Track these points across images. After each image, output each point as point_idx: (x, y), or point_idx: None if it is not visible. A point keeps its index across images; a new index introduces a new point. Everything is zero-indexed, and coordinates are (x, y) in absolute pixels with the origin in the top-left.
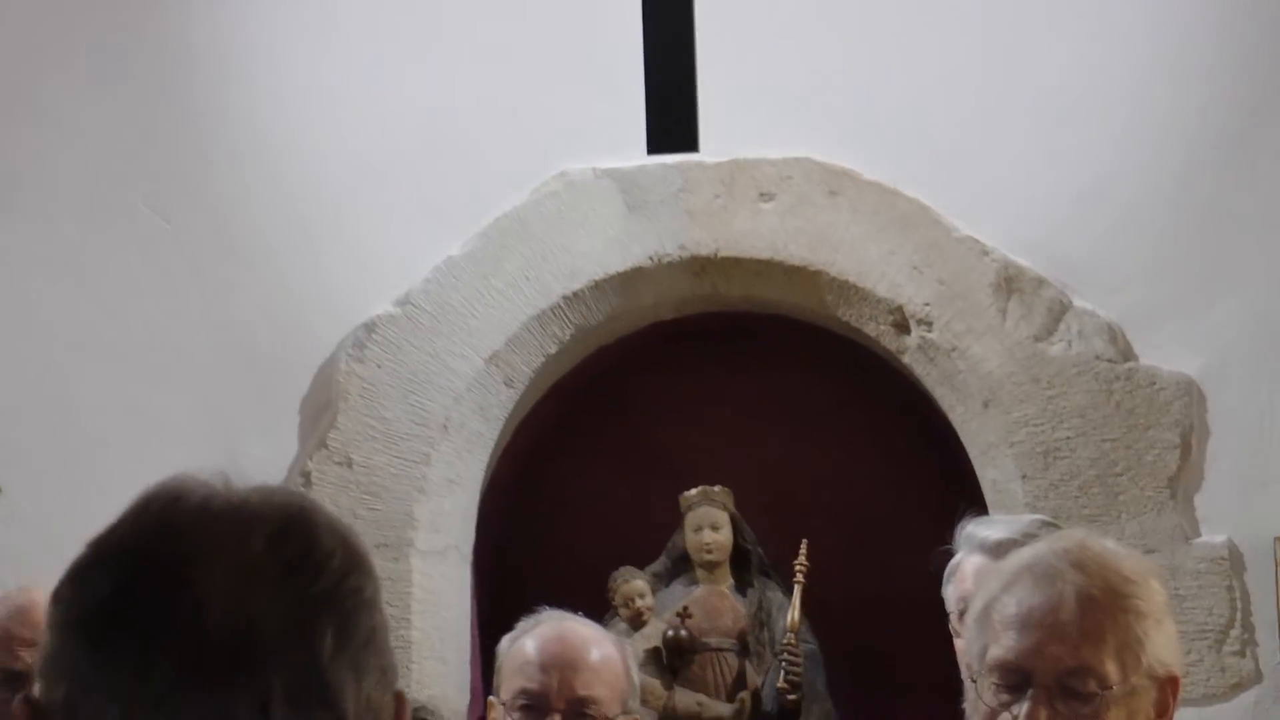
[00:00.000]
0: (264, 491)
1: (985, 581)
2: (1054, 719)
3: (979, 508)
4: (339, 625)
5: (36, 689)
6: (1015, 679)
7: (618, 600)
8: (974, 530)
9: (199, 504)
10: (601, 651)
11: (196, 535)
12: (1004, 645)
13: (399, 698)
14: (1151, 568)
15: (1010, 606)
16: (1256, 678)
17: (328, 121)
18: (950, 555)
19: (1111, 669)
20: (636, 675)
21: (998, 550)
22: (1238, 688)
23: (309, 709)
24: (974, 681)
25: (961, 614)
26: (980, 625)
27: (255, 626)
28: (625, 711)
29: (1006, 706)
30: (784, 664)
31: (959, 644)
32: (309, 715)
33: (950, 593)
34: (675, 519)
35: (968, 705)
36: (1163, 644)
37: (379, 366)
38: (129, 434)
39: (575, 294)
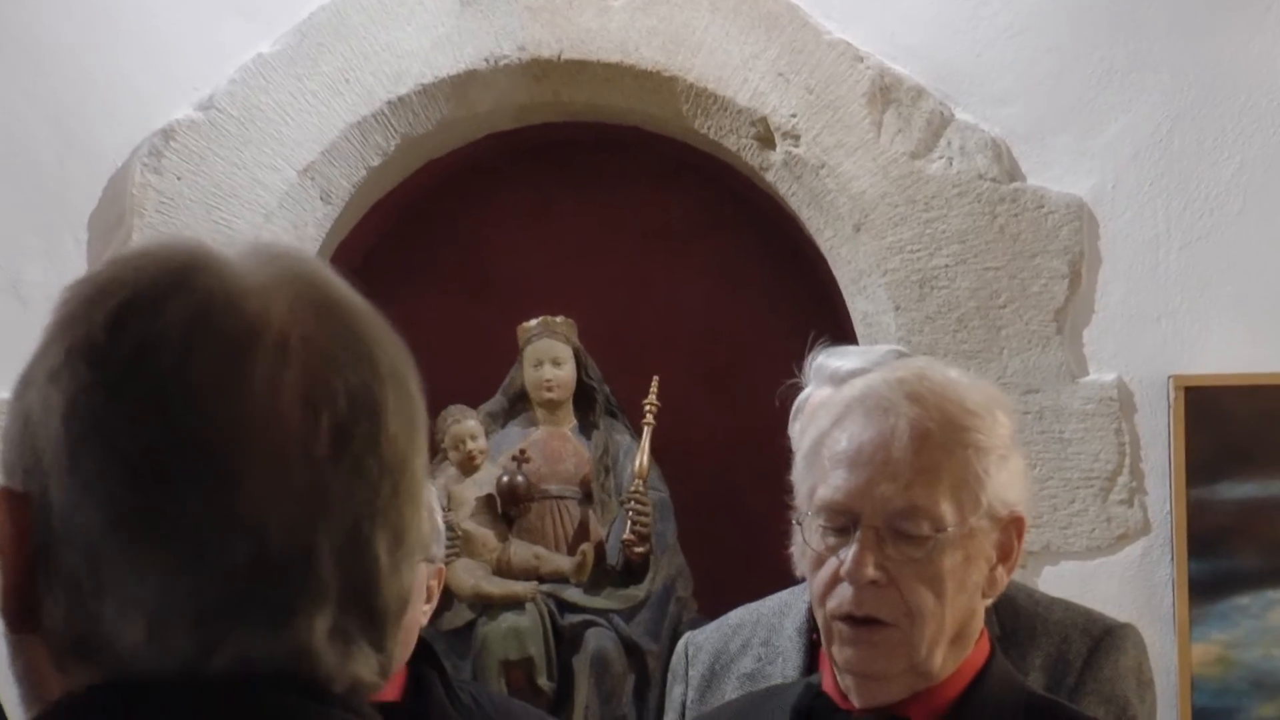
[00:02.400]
0: (324, 325)
1: (816, 416)
2: (883, 563)
3: (848, 341)
4: (394, 536)
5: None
6: (843, 521)
7: (447, 442)
8: (825, 361)
9: (270, 369)
10: None
11: (259, 424)
12: (832, 484)
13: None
14: (998, 398)
15: (840, 442)
16: (1144, 528)
17: None
18: (799, 390)
19: (947, 510)
20: (440, 520)
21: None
22: (1124, 539)
23: (353, 634)
24: (799, 524)
25: None
26: (809, 463)
27: (312, 555)
28: (428, 558)
29: (834, 550)
30: (631, 513)
31: None
32: (351, 639)
33: (798, 430)
34: (512, 352)
35: (794, 550)
36: (1006, 482)
37: (178, 178)
38: None
39: (401, 99)
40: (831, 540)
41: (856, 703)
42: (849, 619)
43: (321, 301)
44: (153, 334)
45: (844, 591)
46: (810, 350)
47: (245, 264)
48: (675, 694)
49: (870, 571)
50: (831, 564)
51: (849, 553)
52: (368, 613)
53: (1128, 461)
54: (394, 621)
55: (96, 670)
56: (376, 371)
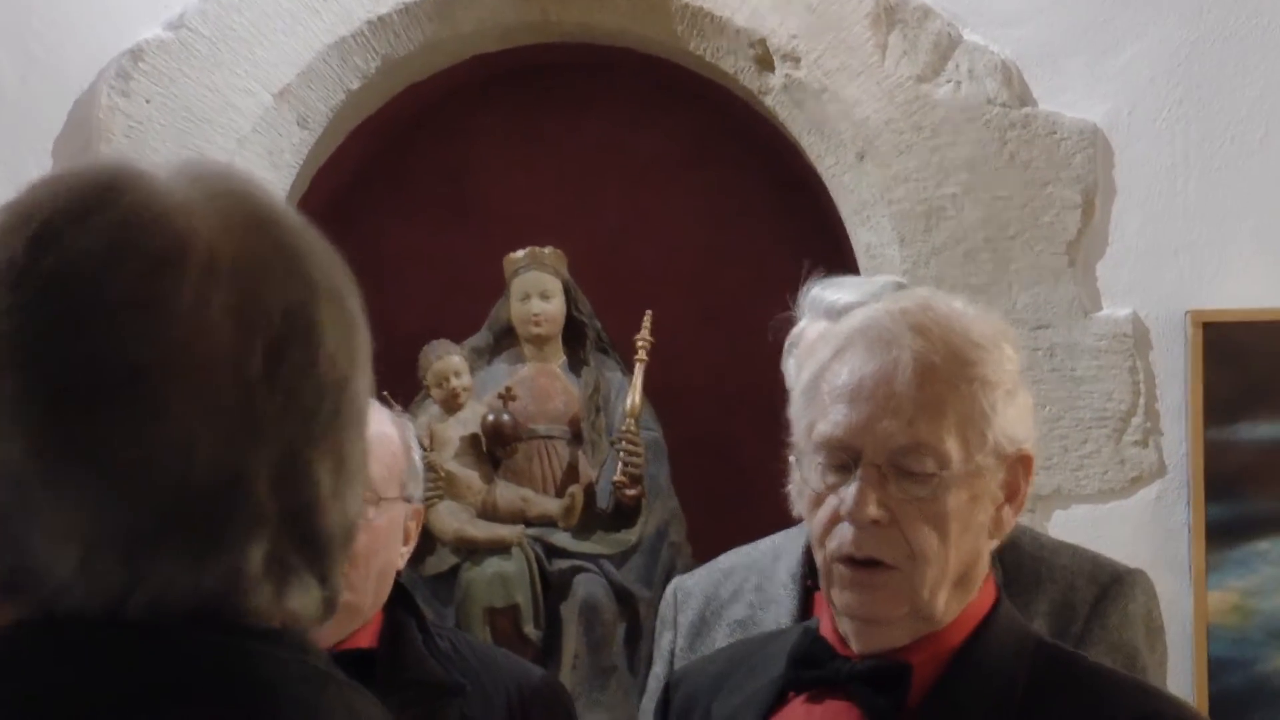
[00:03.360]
0: (256, 241)
1: (815, 348)
2: (885, 502)
3: (850, 275)
4: (335, 460)
5: None
6: (844, 458)
7: (429, 379)
8: (820, 293)
9: (197, 287)
10: (375, 429)
11: (185, 344)
12: (832, 420)
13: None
14: (1004, 330)
15: (840, 376)
16: (1160, 471)
17: None
18: (793, 323)
19: (952, 447)
20: (418, 458)
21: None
22: (1138, 482)
23: (293, 564)
24: (797, 462)
25: None
26: (808, 397)
27: (244, 480)
28: (404, 497)
29: (834, 489)
30: (622, 455)
31: None
32: (291, 570)
33: (792, 366)
34: (499, 285)
35: (792, 489)
36: (1014, 418)
37: (147, 102)
38: None
39: (381, 19)
40: (831, 479)
41: (856, 648)
42: (849, 561)
43: (253, 218)
44: (72, 254)
45: (844, 532)
46: (805, 281)
47: (171, 182)
48: (664, 642)
49: (872, 511)
50: (831, 503)
51: (849, 491)
52: (310, 542)
53: (1143, 401)
54: (339, 552)
55: (24, 607)
56: (313, 289)
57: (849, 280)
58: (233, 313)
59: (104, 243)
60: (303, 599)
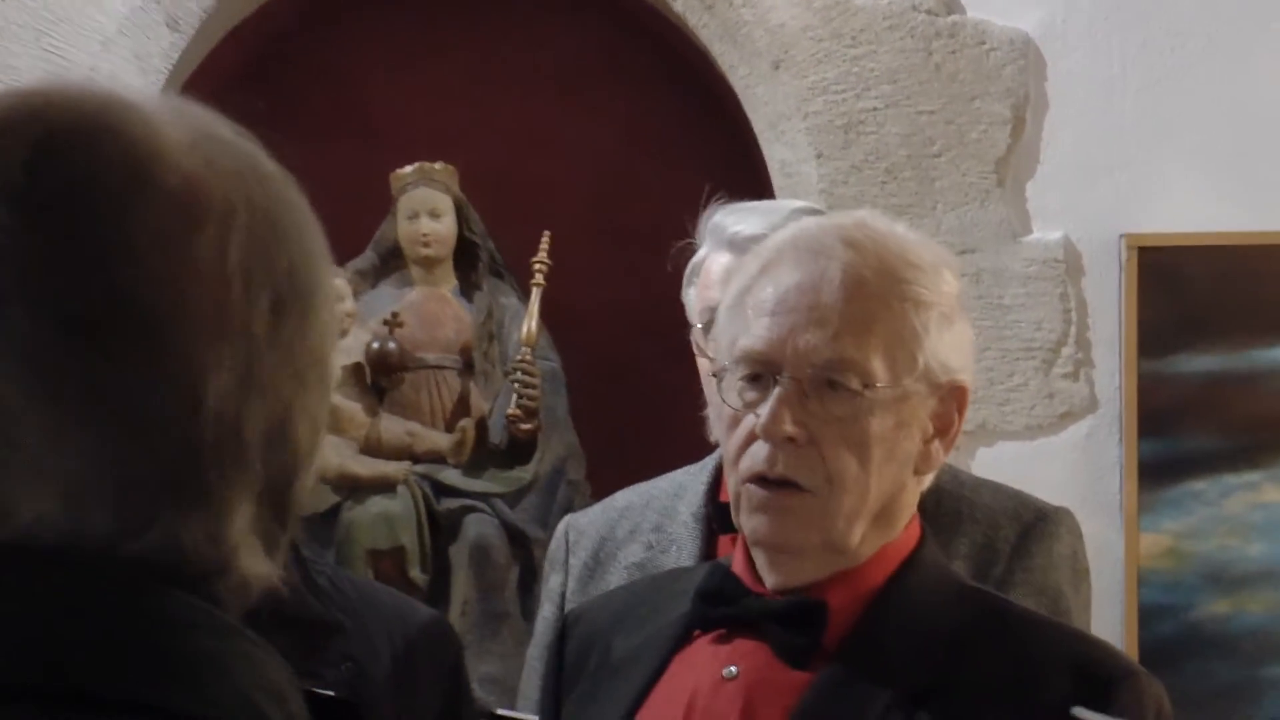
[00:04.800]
0: (267, 194)
1: (744, 264)
2: (804, 420)
3: (764, 194)
4: (311, 428)
5: None
6: (763, 372)
7: None
8: (722, 221)
9: (217, 236)
10: None
11: (201, 292)
12: (753, 334)
13: None
14: (946, 258)
15: (765, 289)
16: (1091, 405)
17: None
18: (693, 251)
19: (878, 366)
20: None
21: (751, 246)
22: (1068, 417)
23: (261, 530)
24: (717, 378)
25: (706, 326)
26: (732, 314)
27: (242, 438)
28: None
29: (752, 407)
30: (517, 386)
31: (702, 363)
32: (259, 537)
33: (692, 297)
34: (385, 203)
35: (710, 412)
36: (950, 345)
37: (3, 0)
38: None
39: None
40: (750, 395)
41: (767, 581)
42: (761, 480)
43: (258, 169)
44: (83, 180)
45: (758, 450)
46: (706, 205)
47: (163, 116)
48: (553, 583)
49: (788, 427)
50: (748, 422)
51: (765, 408)
52: (282, 509)
53: (1074, 330)
54: (296, 521)
55: None
56: (312, 250)
57: (753, 206)
58: (244, 266)
59: (118, 174)
60: (265, 566)
